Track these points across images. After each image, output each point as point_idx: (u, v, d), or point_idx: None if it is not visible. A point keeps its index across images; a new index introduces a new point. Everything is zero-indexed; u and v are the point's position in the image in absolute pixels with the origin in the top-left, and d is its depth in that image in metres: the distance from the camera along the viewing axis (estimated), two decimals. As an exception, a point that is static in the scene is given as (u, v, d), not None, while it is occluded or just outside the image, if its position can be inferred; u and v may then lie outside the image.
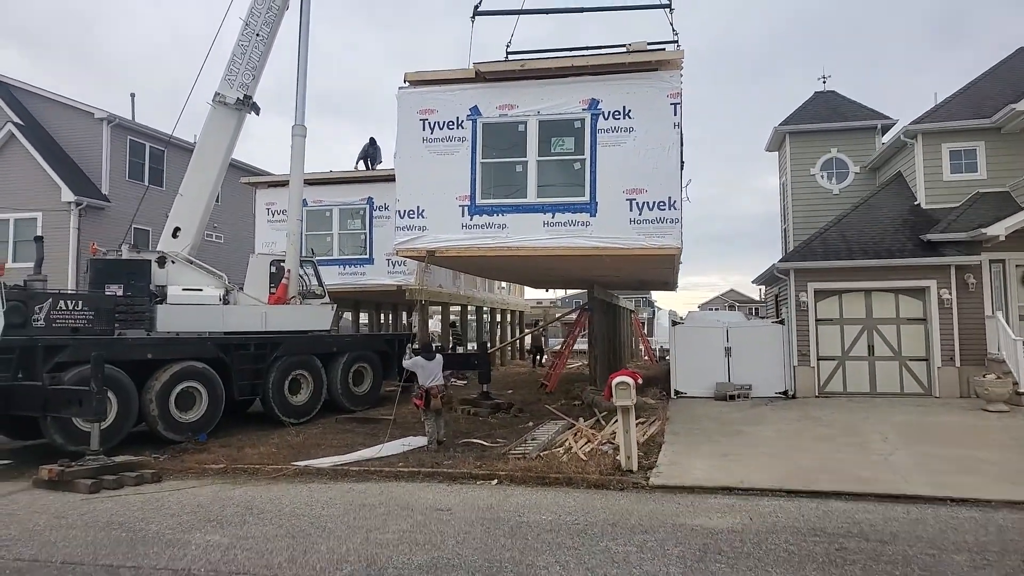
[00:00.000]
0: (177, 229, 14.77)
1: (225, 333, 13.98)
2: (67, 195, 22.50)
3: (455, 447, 11.84)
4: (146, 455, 11.09)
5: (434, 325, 27.02)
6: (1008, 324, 15.47)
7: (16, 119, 23.58)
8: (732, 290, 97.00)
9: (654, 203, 12.67)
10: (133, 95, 29.30)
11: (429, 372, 12.14)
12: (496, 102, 13.20)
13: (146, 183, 25.04)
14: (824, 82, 24.08)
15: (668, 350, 36.11)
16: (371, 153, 21.24)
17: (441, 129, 13.36)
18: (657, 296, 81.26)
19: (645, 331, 34.12)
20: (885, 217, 18.14)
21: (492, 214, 13.19)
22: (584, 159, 12.94)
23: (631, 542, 6.69)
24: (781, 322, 17.83)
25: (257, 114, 15.49)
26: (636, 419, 13.46)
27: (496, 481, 9.52)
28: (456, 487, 9.29)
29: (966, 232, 16.21)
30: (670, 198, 12.66)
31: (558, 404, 16.00)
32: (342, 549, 6.53)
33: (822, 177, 22.25)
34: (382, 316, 27.23)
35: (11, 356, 11.04)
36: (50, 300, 11.96)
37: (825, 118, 22.39)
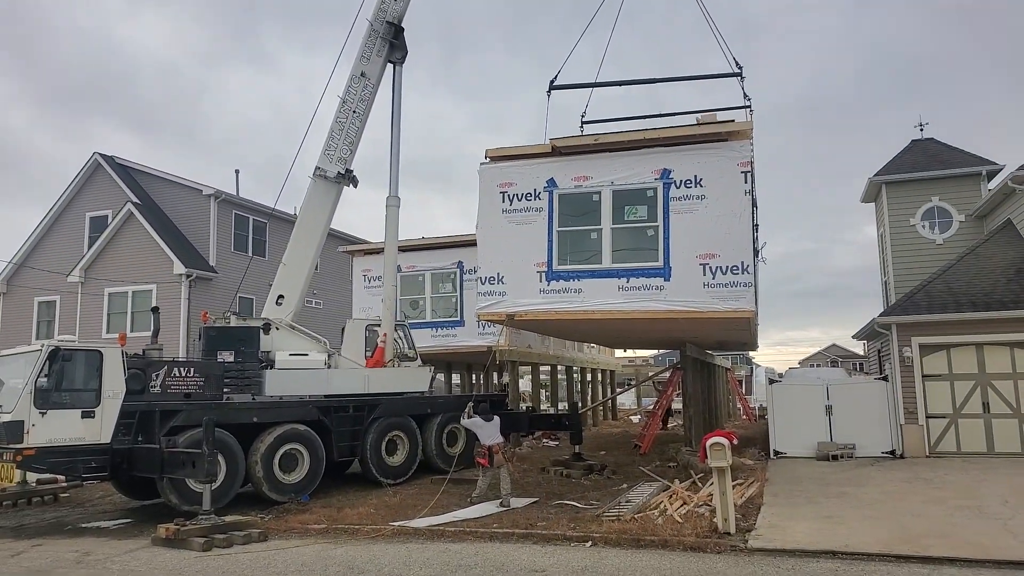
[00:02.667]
0: (280, 297, 15.66)
1: (326, 396, 14.58)
2: (178, 268, 24.23)
3: (548, 507, 11.85)
4: (253, 515, 11.61)
5: (524, 385, 27.19)
6: None
7: (134, 198, 25.78)
8: (834, 345, 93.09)
9: (727, 267, 12.91)
10: (237, 171, 31.53)
11: (488, 432, 12.78)
12: (571, 174, 13.81)
13: (249, 254, 26.73)
14: (921, 129, 23.43)
15: (766, 408, 34.99)
16: None
17: (519, 200, 14.03)
18: (755, 353, 78.83)
19: (743, 389, 33.09)
20: (996, 266, 17.26)
21: (568, 279, 13.67)
22: (657, 226, 13.31)
23: (730, 608, 6.52)
24: (885, 378, 17.06)
25: (355, 186, 16.42)
26: (734, 480, 13.14)
27: (590, 543, 9.46)
28: (550, 548, 9.28)
29: (1087, 279, 15.21)
30: (743, 263, 12.88)
31: (652, 466, 15.75)
32: (439, 609, 6.66)
33: (923, 227, 21.42)
34: (473, 377, 27.60)
35: (132, 420, 11.91)
36: (165, 367, 12.88)
37: (924, 166, 21.67)
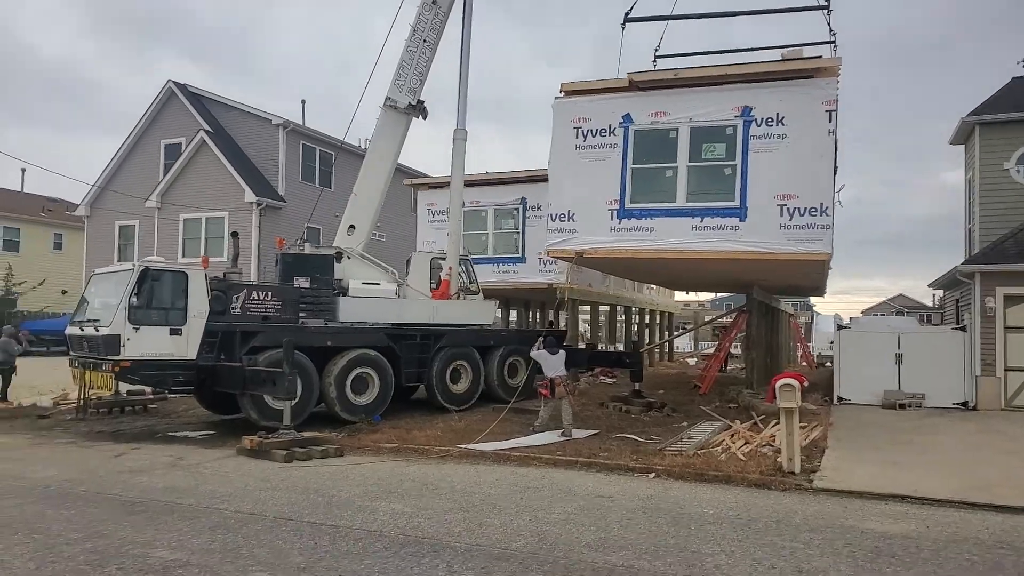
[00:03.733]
0: (351, 227, 15.99)
1: (395, 324, 14.99)
2: (250, 196, 24.89)
3: (609, 440, 12.10)
4: (326, 432, 12.17)
5: (582, 323, 27.36)
6: None
7: (206, 127, 26.37)
8: (901, 295, 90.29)
9: (805, 209, 12.62)
10: (304, 101, 31.91)
11: (552, 364, 12.97)
12: (648, 109, 13.52)
13: (317, 184, 27.21)
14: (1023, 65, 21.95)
15: (828, 356, 34.43)
16: None
17: (594, 136, 13.83)
18: (816, 301, 77.21)
19: (803, 336, 32.59)
20: (1090, 214, 16.40)
21: (640, 217, 13.54)
22: (735, 164, 13.01)
23: (797, 539, 6.65)
24: (963, 329, 16.59)
25: (424, 118, 16.45)
26: (805, 423, 13.17)
27: (653, 475, 9.66)
28: (614, 478, 9.53)
29: None
30: (822, 204, 12.59)
31: (712, 406, 15.82)
32: (513, 524, 6.97)
33: (1018, 172, 20.31)
34: (530, 313, 27.87)
35: (215, 339, 12.51)
36: (245, 291, 13.40)
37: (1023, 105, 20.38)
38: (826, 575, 5.65)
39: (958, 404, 16.11)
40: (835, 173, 13.16)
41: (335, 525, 6.89)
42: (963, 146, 22.99)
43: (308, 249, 15.47)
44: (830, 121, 12.55)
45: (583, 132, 13.73)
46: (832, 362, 33.59)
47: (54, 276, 34.76)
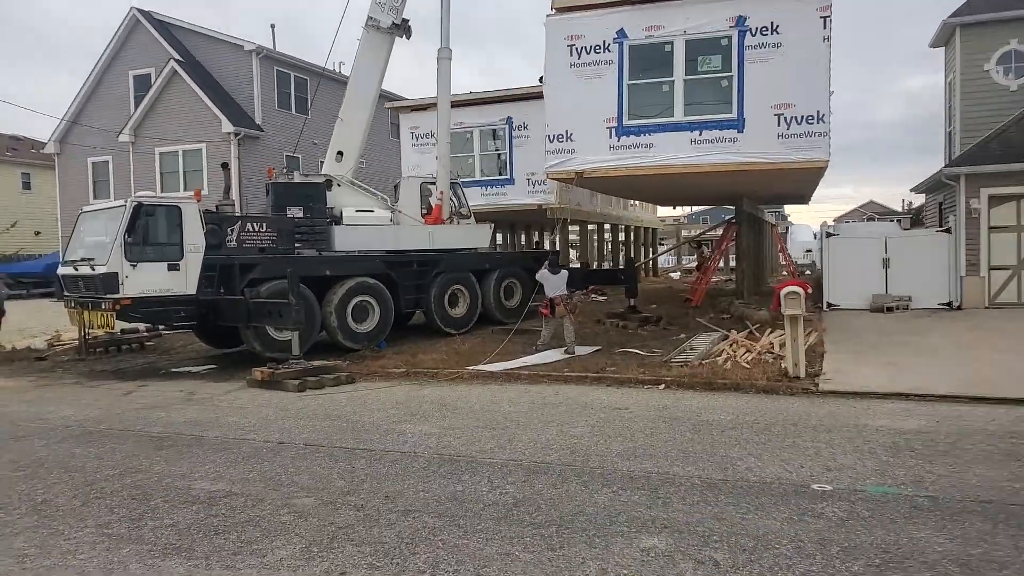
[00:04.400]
0: (339, 153, 15.63)
1: (390, 251, 14.90)
2: (227, 126, 24.15)
3: (613, 355, 12.31)
4: (333, 361, 12.23)
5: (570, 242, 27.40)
6: None
7: (176, 55, 25.29)
8: (871, 201, 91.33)
9: (802, 117, 12.75)
10: (273, 26, 30.59)
11: (553, 284, 13.10)
12: (642, 24, 13.38)
13: (294, 112, 26.44)
14: (1001, -36, 21.57)
15: (805, 265, 34.92)
16: None
17: (588, 54, 13.71)
18: (790, 210, 77.68)
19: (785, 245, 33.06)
20: (1075, 112, 16.50)
21: (639, 134, 13.59)
22: (731, 76, 13.06)
23: (817, 439, 6.89)
24: (947, 231, 16.86)
25: (408, 37, 15.89)
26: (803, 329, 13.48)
27: (663, 386, 9.90)
28: (625, 390, 9.74)
29: None
30: (818, 112, 12.72)
31: (707, 318, 16.08)
32: (542, 439, 7.14)
33: (997, 72, 20.27)
34: (520, 236, 27.78)
35: (213, 273, 12.36)
36: (239, 223, 13.18)
37: (1004, 5, 20.18)
38: (854, 470, 5.89)
39: (943, 304, 16.55)
40: (829, 80, 13.15)
41: (368, 449, 7.01)
42: (943, 49, 22.83)
43: (298, 178, 15.16)
44: (824, 27, 12.59)
45: (577, 50, 13.59)
46: (810, 271, 34.23)
47: (25, 217, 33.85)
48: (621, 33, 13.37)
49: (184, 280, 11.96)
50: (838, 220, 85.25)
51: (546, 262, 14.06)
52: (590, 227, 25.22)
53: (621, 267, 21.39)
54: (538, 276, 13.30)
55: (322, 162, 16.62)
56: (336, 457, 6.76)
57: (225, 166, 15.25)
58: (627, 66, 13.44)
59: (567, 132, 13.83)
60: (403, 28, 15.70)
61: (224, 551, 4.68)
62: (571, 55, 13.65)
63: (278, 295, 12.30)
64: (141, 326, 15.38)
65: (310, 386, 10.49)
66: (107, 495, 5.90)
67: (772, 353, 11.97)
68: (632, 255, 19.14)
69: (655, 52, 13.31)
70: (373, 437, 7.47)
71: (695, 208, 71.60)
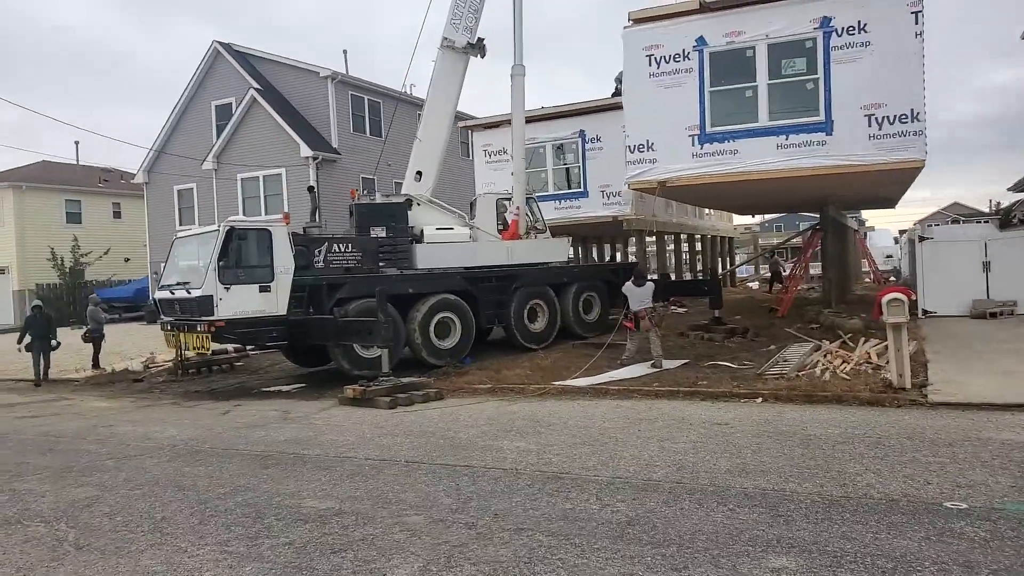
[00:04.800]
0: (419, 173, 15.87)
1: (470, 268, 15.00)
2: (305, 150, 24.87)
3: (702, 368, 12.02)
4: (421, 377, 12.33)
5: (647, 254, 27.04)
6: None
7: (255, 84, 26.25)
8: (956, 203, 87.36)
9: (895, 116, 12.36)
10: (345, 51, 31.68)
11: (638, 298, 12.91)
12: (722, 30, 13.26)
13: (368, 134, 27.07)
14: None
15: (886, 271, 33.51)
16: None
17: (667, 63, 13.65)
18: (867, 215, 74.96)
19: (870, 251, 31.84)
20: None
21: (723, 141, 13.43)
22: (817, 78, 12.79)
23: (939, 454, 6.53)
24: (1054, 231, 15.91)
25: (483, 56, 16.07)
26: (882, 340, 12.91)
27: (760, 399, 9.58)
28: (721, 405, 9.47)
29: None
30: (912, 110, 12.30)
31: (795, 328, 15.55)
32: (644, 456, 6.98)
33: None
34: (594, 249, 27.61)
35: (302, 294, 12.67)
36: (326, 244, 13.50)
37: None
38: (987, 487, 5.53)
39: (1052, 309, 15.58)
40: (923, 76, 12.65)
41: (468, 466, 6.99)
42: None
43: (379, 198, 15.45)
44: (916, 23, 12.21)
45: (656, 59, 13.57)
46: (894, 277, 32.82)
47: (116, 244, 35.59)
48: (701, 40, 13.26)
49: (275, 301, 12.29)
50: (919, 223, 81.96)
51: (632, 275, 13.89)
52: (667, 237, 24.86)
53: (702, 278, 20.94)
54: (624, 289, 13.14)
55: (396, 183, 16.96)
56: (438, 474, 6.77)
57: (311, 189, 15.70)
58: (708, 73, 13.32)
59: (648, 142, 13.76)
60: (478, 47, 15.89)
61: (343, 570, 4.71)
62: (650, 65, 13.61)
63: (366, 313, 12.53)
64: (230, 347, 15.89)
65: (401, 403, 10.59)
66: (222, 513, 6.04)
67: (870, 363, 11.49)
68: (714, 265, 18.70)
69: (736, 58, 13.15)
70: (472, 454, 7.45)
71: (768, 216, 69.92)
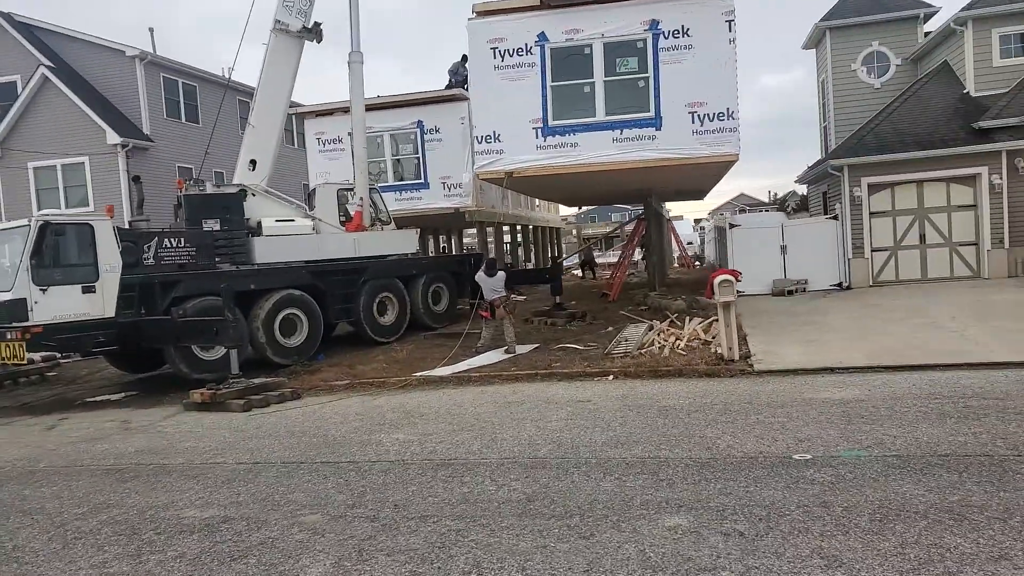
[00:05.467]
0: (253, 161, 15.08)
1: (315, 261, 14.57)
2: (112, 137, 22.63)
3: (552, 351, 12.61)
4: (277, 377, 11.85)
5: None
6: (1062, 204, 15.94)
7: (46, 62, 23.44)
8: (742, 194, 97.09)
9: (714, 115, 13.62)
10: (152, 29, 28.98)
11: (491, 287, 13.30)
12: (561, 27, 13.87)
13: (184, 120, 25.23)
14: (862, -28, 23.67)
15: (692, 256, 36.70)
16: (462, 72, 21.14)
17: (511, 56, 14.06)
18: (670, 206, 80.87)
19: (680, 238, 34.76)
20: (935, 108, 18.34)
21: (564, 134, 14.08)
22: (648, 77, 13.76)
23: (777, 415, 7.43)
24: (835, 218, 18.31)
25: (319, 41, 15.56)
26: (708, 317, 14.29)
27: (612, 377, 10.28)
28: (577, 384, 10.05)
29: (1018, 117, 16.47)
30: (728, 109, 13.62)
31: (627, 310, 16.70)
32: (524, 436, 7.30)
33: (863, 72, 22.24)
34: (430, 240, 27.62)
35: (132, 293, 11.70)
36: (156, 239, 12.53)
37: (865, 11, 22.14)
38: (821, 439, 6.41)
39: (835, 285, 17.97)
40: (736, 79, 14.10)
41: (352, 461, 6.93)
42: (815, 50, 24.78)
43: (210, 189, 14.53)
44: (730, 30, 13.50)
45: (500, 52, 13.92)
46: (699, 261, 36.04)
47: None
48: (542, 36, 13.79)
49: (101, 302, 11.23)
50: (714, 213, 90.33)
51: (484, 265, 14.20)
52: (504, 229, 25.52)
53: (535, 267, 21.80)
54: (476, 279, 13.42)
55: (217, 172, 15.94)
56: (322, 472, 6.64)
57: (137, 179, 14.41)
58: (549, 68, 13.88)
59: (495, 133, 14.10)
60: (314, 32, 15.38)
61: (249, 575, 4.56)
62: (495, 57, 13.93)
63: (206, 312, 11.84)
64: (37, 355, 14.25)
65: (256, 404, 10.15)
66: (87, 534, 5.55)
67: (700, 339, 12.66)
68: (556, 255, 19.54)
69: (575, 54, 13.81)
70: (351, 449, 7.37)
71: (583, 208, 73.77)
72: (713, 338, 12.76)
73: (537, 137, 13.84)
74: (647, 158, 13.72)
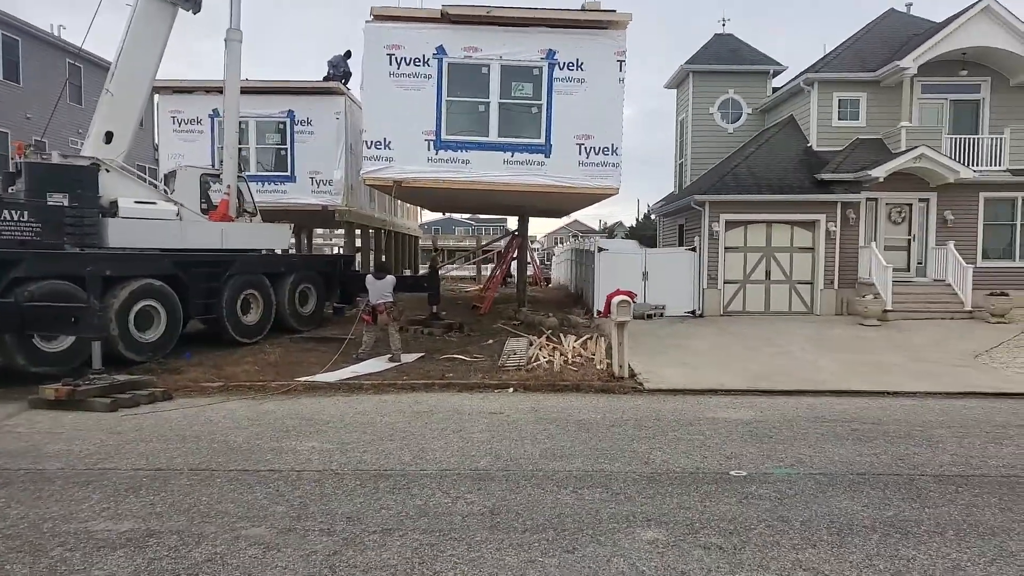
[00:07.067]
0: (109, 134, 13.54)
1: (178, 250, 13.32)
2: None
3: (438, 361, 12.39)
4: (146, 375, 10.64)
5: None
6: (880, 254, 18.16)
7: None
8: (576, 220, 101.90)
9: (599, 148, 14.39)
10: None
11: (378, 291, 12.83)
12: (461, 43, 14.03)
13: (1, 78, 22.24)
14: (724, 24, 25.77)
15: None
16: (342, 67, 20.25)
17: (408, 65, 14.02)
18: (512, 223, 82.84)
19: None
20: (784, 157, 20.24)
21: (457, 150, 14.28)
22: (541, 104, 14.28)
23: (690, 431, 7.78)
24: (692, 249, 19.61)
25: (196, 12, 14.33)
26: (579, 336, 14.77)
27: (512, 389, 10.29)
28: (479, 395, 9.93)
29: (853, 173, 18.60)
30: (612, 145, 14.44)
31: (499, 324, 16.80)
32: (453, 447, 7.07)
33: (719, 116, 24.14)
34: (300, 237, 26.20)
35: (-38, 271, 10.05)
36: (-5, 209, 10.87)
37: (726, 60, 24.08)
38: (744, 457, 6.79)
39: (689, 312, 19.21)
40: (622, 117, 14.93)
41: (273, 470, 6.35)
42: (676, 90, 26.57)
43: (56, 158, 12.84)
44: (620, 70, 14.41)
45: (397, 59, 13.91)
46: (547, 281, 37.21)
47: None
48: (441, 50, 13.90)
49: (-75, 279, 9.54)
50: (550, 235, 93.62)
51: (374, 268, 13.68)
52: (371, 231, 24.76)
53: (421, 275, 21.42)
54: (366, 282, 12.88)
55: (37, 140, 14.05)
56: (244, 481, 6.03)
57: None
58: (446, 82, 14.02)
59: (385, 140, 13.90)
60: (192, 1, 14.13)
61: (210, 598, 4.03)
62: (391, 64, 13.84)
63: (53, 296, 10.44)
64: None
65: (123, 404, 9.06)
66: (-32, 551, 4.64)
67: (582, 356, 13.02)
68: (434, 262, 19.12)
69: (473, 73, 14.05)
70: (265, 457, 6.76)
71: (426, 218, 73.62)
72: (593, 355, 13.20)
73: (429, 149, 13.93)
74: (536, 183, 14.24)
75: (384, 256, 23.74)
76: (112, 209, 13.01)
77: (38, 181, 12.10)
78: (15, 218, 11.13)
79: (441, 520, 5.14)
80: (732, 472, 6.29)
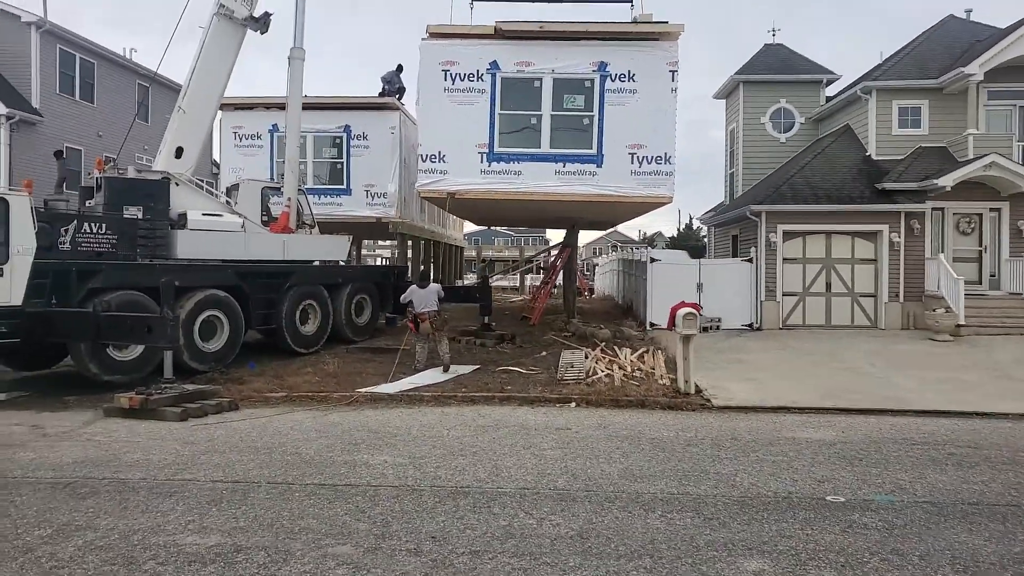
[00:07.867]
0: (180, 149, 13.83)
1: (242, 261, 13.51)
2: (-2, 107, 20.16)
3: (494, 373, 12.26)
4: (213, 385, 10.75)
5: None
6: (949, 266, 17.52)
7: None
8: (615, 230, 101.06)
9: (652, 157, 14.32)
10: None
11: (420, 299, 12.78)
12: (514, 58, 14.20)
13: (77, 98, 22.98)
14: (773, 35, 25.37)
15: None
16: (396, 82, 20.49)
17: (462, 80, 14.21)
18: (551, 234, 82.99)
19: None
20: (842, 166, 19.74)
21: (509, 161, 14.33)
22: (593, 115, 14.30)
23: (772, 452, 7.49)
24: (749, 260, 19.20)
25: (265, 32, 14.60)
26: (636, 349, 14.53)
27: (574, 404, 10.10)
28: (541, 409, 9.78)
29: (916, 182, 18.02)
30: (666, 154, 14.36)
31: (550, 336, 16.62)
32: (528, 464, 6.93)
33: (770, 126, 23.71)
34: (356, 249, 26.51)
35: (44, 281, 10.30)
36: (75, 222, 11.14)
37: (776, 70, 23.68)
38: (840, 481, 6.49)
39: (746, 325, 18.78)
40: (675, 126, 14.81)
41: (350, 484, 6.29)
42: (725, 100, 26.20)
43: (132, 173, 13.15)
44: (673, 80, 14.28)
45: (451, 75, 14.18)
46: (589, 292, 36.94)
47: None
48: (494, 64, 14.12)
49: (8, 288, 9.80)
50: (587, 246, 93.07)
51: (419, 277, 13.69)
52: (422, 243, 24.91)
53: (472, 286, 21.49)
54: (409, 291, 12.88)
55: (108, 156, 14.33)
56: (323, 496, 5.98)
57: (60, 154, 12.80)
58: (499, 96, 14.14)
59: (440, 153, 14.16)
60: (261, 22, 14.44)
61: (306, 619, 3.95)
62: (446, 79, 14.14)
63: (129, 307, 10.67)
64: None
65: (192, 414, 9.15)
66: (68, 563, 4.65)
67: (641, 370, 12.76)
68: (484, 273, 19.18)
69: (525, 86, 14.17)
70: (339, 471, 6.71)
71: (469, 229, 74.25)
72: (653, 369, 12.94)
73: (482, 162, 14.12)
74: (588, 193, 14.25)
75: (427, 265, 23.79)
76: (181, 221, 13.28)
77: (116, 195, 12.40)
78: (93, 230, 11.41)
79: (529, 543, 5.00)
80: (828, 497, 6.01)
